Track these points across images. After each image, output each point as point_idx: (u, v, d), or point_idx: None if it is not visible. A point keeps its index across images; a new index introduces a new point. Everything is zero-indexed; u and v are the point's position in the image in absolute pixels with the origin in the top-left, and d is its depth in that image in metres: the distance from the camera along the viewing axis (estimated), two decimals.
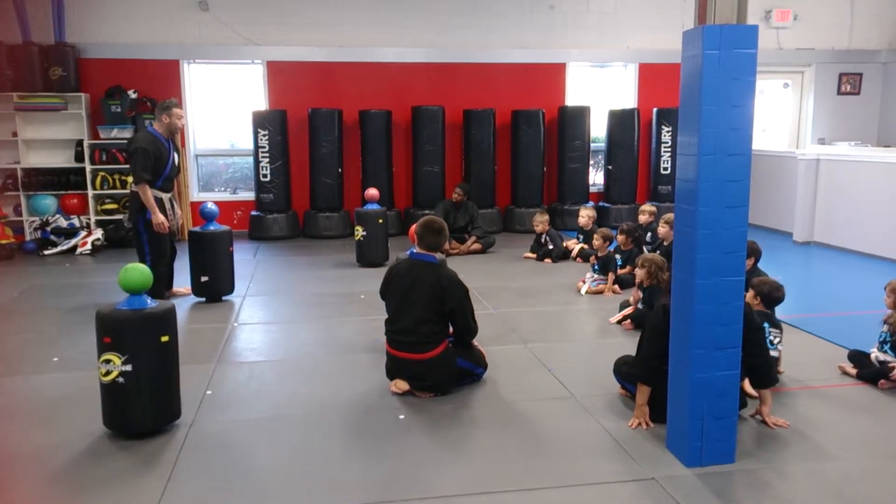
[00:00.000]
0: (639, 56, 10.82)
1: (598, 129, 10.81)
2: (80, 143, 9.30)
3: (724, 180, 3.13)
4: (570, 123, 10.36)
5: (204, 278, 6.32)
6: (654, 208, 7.64)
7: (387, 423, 3.84)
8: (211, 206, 6.46)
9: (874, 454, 3.48)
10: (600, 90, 11.17)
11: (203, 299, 6.40)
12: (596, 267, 6.77)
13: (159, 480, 3.22)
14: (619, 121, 10.54)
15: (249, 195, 10.22)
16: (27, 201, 9.20)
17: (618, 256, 6.83)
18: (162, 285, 5.93)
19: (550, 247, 8.10)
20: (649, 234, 7.33)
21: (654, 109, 10.79)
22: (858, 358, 4.49)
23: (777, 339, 4.30)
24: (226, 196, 10.34)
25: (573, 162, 10.39)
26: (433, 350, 4.13)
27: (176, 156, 6.19)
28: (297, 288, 7.00)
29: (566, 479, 3.23)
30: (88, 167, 9.25)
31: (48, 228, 8.90)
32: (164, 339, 3.59)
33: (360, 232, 7.72)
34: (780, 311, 5.53)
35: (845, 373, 4.49)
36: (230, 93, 10.34)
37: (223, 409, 4.04)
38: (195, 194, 10.11)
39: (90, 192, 9.31)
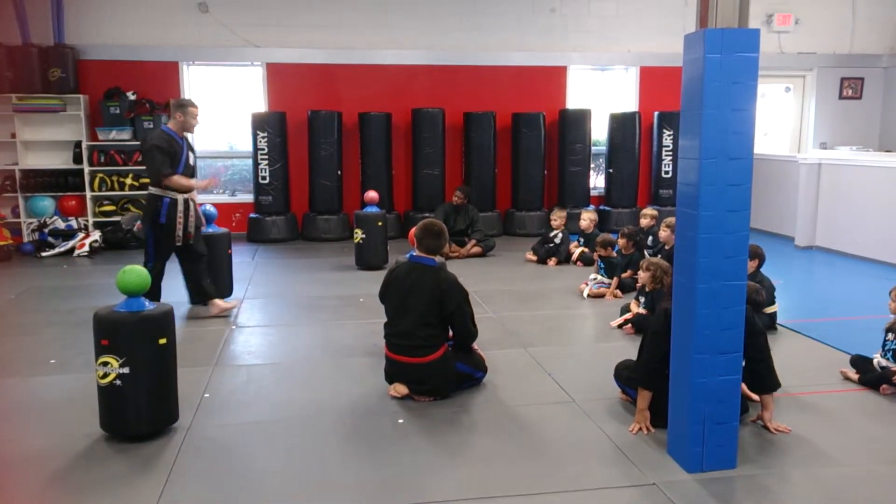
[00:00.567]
0: (640, 59, 10.81)
1: (599, 133, 10.81)
2: (78, 144, 9.29)
3: (725, 184, 3.12)
4: (571, 126, 10.34)
5: None
6: (655, 212, 7.64)
7: (385, 427, 3.82)
8: (209, 207, 6.45)
9: (876, 460, 3.46)
10: (601, 93, 11.16)
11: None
12: (601, 265, 6.76)
13: (156, 483, 3.21)
14: (620, 124, 10.54)
15: (248, 197, 10.20)
16: (25, 203, 9.20)
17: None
18: (158, 288, 5.76)
19: (559, 242, 8.00)
20: (650, 238, 7.32)
21: (656, 113, 10.78)
22: (861, 363, 4.47)
23: None
24: (224, 198, 10.32)
25: (574, 165, 10.37)
26: (432, 354, 4.11)
27: (192, 155, 5.97)
28: (295, 291, 6.98)
29: (566, 484, 3.21)
30: (87, 169, 9.24)
31: (46, 230, 8.89)
32: (162, 341, 3.57)
33: (359, 235, 7.69)
34: (781, 316, 5.56)
35: (847, 378, 4.46)
36: (229, 95, 10.31)
37: (221, 413, 4.02)
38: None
39: (88, 194, 9.30)
